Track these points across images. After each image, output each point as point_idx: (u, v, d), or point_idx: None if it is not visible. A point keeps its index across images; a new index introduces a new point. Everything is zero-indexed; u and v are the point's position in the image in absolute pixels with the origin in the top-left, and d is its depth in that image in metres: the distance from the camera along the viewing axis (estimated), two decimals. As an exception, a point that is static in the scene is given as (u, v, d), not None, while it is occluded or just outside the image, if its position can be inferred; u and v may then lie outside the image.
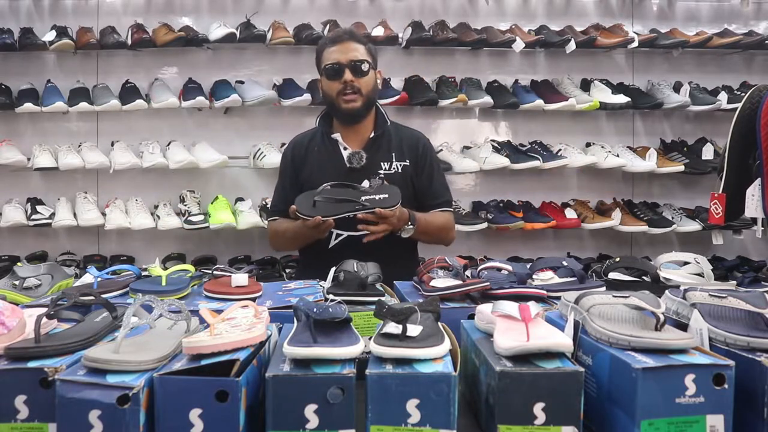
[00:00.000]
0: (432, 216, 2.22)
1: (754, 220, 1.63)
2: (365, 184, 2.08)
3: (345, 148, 2.22)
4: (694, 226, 3.40)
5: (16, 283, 1.51)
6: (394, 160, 2.22)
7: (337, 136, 2.23)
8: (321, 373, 0.88)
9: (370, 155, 2.19)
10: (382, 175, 2.17)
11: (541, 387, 0.89)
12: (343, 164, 2.20)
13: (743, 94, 2.08)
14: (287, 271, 3.21)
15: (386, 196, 1.98)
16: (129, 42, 3.19)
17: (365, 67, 2.17)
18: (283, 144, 3.32)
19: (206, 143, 3.27)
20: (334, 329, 1.00)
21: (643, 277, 1.60)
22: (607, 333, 0.97)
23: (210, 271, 1.57)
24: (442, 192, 2.29)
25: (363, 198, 1.96)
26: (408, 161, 2.25)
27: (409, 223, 2.07)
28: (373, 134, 2.23)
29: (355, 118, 2.21)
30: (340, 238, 2.16)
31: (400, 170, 2.22)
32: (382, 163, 2.21)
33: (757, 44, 3.48)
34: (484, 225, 3.30)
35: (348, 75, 2.14)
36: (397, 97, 3.23)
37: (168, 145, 3.25)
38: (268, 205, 3.19)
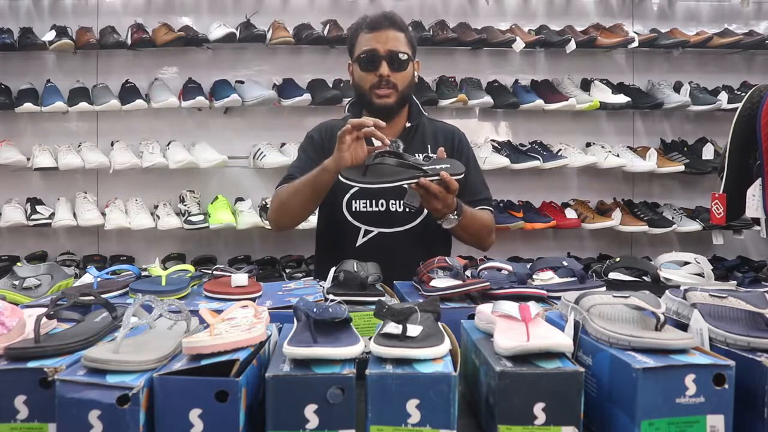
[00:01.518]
0: (478, 212, 1.97)
1: (754, 221, 1.63)
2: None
3: None
4: (695, 226, 3.40)
5: (16, 283, 1.51)
6: (429, 151, 2.04)
7: None
8: (321, 373, 0.88)
9: (404, 146, 1.95)
10: (429, 154, 1.91)
11: (541, 387, 0.89)
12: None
13: (743, 94, 2.08)
14: (287, 271, 3.21)
15: (448, 165, 1.71)
16: (129, 42, 3.19)
17: (404, 60, 1.96)
18: (284, 144, 3.33)
19: (206, 143, 3.27)
20: (334, 329, 1.00)
21: (644, 277, 1.59)
22: (607, 333, 0.97)
23: (210, 271, 1.57)
24: (481, 189, 2.07)
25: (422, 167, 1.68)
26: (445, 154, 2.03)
27: (455, 213, 1.79)
28: (408, 124, 2.06)
29: (388, 114, 1.98)
30: (369, 236, 2.00)
31: None
32: (416, 155, 1.99)
33: (758, 44, 3.48)
34: (484, 225, 3.29)
35: (384, 69, 1.94)
36: (397, 97, 3.23)
37: (168, 145, 3.25)
38: (268, 205, 3.19)
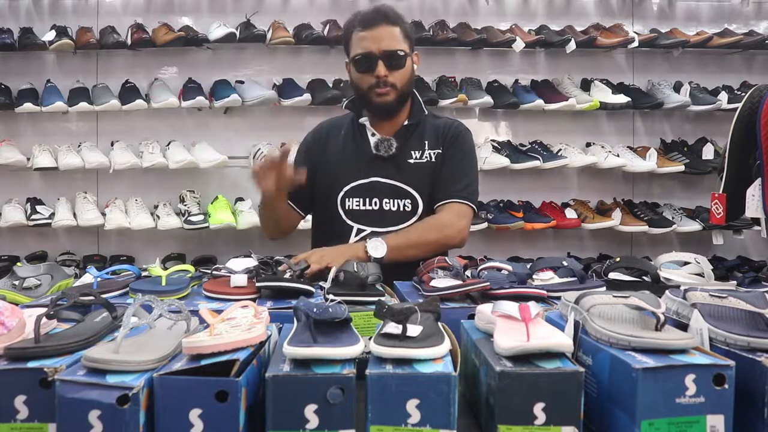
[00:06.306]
0: (408, 228, 1.94)
1: (754, 221, 1.63)
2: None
3: (373, 134, 2.00)
4: (695, 226, 3.40)
5: (16, 283, 1.51)
6: (426, 148, 2.00)
7: (365, 120, 2.01)
8: (321, 373, 0.88)
9: (401, 143, 1.97)
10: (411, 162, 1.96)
11: (541, 387, 0.89)
12: (369, 152, 1.99)
13: (743, 94, 2.08)
14: (287, 271, 3.21)
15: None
16: (129, 42, 3.19)
17: (401, 57, 1.91)
18: (283, 144, 3.32)
19: (206, 143, 3.27)
20: (334, 329, 1.00)
21: (644, 277, 1.59)
22: (607, 333, 0.96)
23: (209, 271, 1.57)
24: (457, 177, 1.99)
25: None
26: (441, 149, 2.01)
27: (368, 255, 1.76)
28: (407, 122, 2.02)
29: (389, 112, 1.99)
30: (362, 235, 1.96)
31: (432, 159, 2.00)
32: (412, 152, 1.99)
33: (758, 44, 3.48)
34: (484, 225, 3.30)
35: (381, 69, 1.89)
36: (397, 97, 3.24)
37: (168, 145, 3.25)
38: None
